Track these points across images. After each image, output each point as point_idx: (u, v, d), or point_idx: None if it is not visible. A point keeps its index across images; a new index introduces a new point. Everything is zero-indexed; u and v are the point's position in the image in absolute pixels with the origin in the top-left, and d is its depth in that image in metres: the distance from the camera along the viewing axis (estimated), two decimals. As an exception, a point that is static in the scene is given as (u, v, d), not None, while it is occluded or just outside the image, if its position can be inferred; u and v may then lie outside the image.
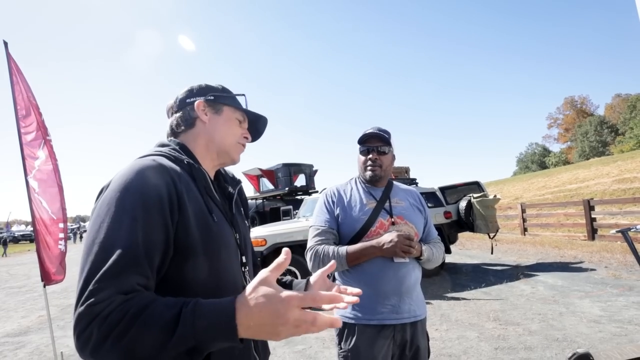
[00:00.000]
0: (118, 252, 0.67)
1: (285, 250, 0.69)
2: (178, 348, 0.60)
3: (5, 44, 3.40)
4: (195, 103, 0.99)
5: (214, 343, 0.62)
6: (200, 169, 0.92)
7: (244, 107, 1.06)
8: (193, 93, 1.01)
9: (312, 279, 1.02)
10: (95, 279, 0.65)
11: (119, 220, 0.71)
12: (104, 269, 0.66)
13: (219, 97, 1.02)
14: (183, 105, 1.00)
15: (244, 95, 1.06)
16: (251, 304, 0.61)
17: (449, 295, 5.25)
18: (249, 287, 0.64)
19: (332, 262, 0.95)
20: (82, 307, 0.63)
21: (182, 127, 0.99)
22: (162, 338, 0.60)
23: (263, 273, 0.64)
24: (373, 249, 1.48)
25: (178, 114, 1.00)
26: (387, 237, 1.47)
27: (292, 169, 11.06)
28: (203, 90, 1.02)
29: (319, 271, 1.00)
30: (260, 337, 0.63)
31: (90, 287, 0.64)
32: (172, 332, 0.60)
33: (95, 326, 0.61)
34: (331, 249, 1.53)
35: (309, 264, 1.61)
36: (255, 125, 1.11)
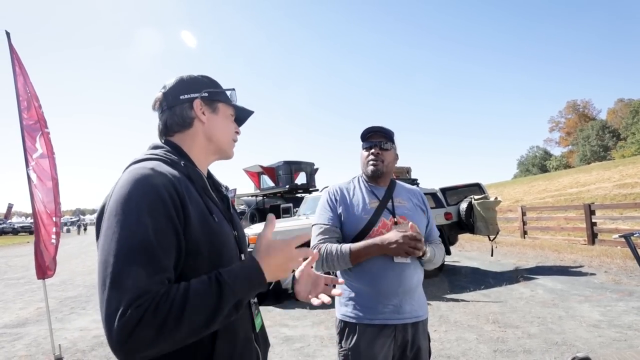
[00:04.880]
0: (138, 257, 0.70)
1: (270, 215, 0.89)
2: (227, 308, 0.74)
3: (8, 34, 3.38)
4: (194, 103, 0.96)
5: (251, 293, 0.80)
6: (197, 170, 0.93)
7: (234, 102, 1.06)
8: (186, 88, 0.97)
9: (297, 273, 1.12)
10: (128, 286, 0.67)
11: (131, 229, 0.72)
12: (132, 276, 0.68)
13: (213, 94, 0.99)
14: (176, 101, 0.95)
15: (234, 89, 1.05)
16: (267, 255, 0.82)
17: (448, 296, 5.24)
18: (258, 244, 0.84)
19: (315, 252, 1.00)
20: (128, 313, 0.65)
21: (177, 128, 0.96)
22: (214, 306, 0.72)
23: (263, 234, 0.86)
24: (377, 247, 1.47)
25: (171, 112, 0.96)
26: (392, 237, 1.45)
27: (293, 167, 11.03)
28: (196, 85, 0.98)
29: (302, 265, 1.11)
30: (276, 276, 0.84)
31: (129, 295, 0.67)
32: (220, 298, 0.73)
33: (147, 322, 0.66)
34: (334, 247, 1.52)
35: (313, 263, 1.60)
36: (241, 114, 1.11)
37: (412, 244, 1.42)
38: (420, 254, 1.48)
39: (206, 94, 0.97)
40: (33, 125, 3.50)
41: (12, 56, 3.39)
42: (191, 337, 0.71)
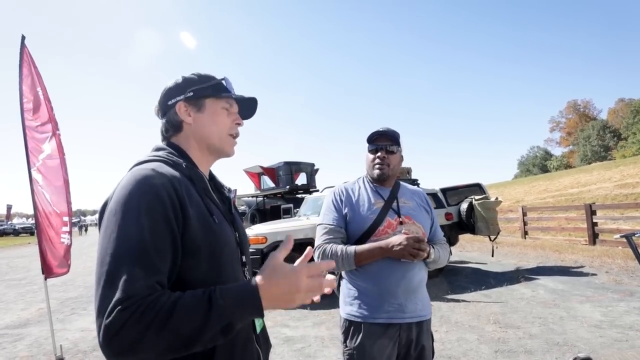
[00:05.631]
0: (133, 258, 0.70)
1: (288, 236, 0.80)
2: (214, 328, 0.68)
3: (23, 37, 3.44)
4: (176, 106, 0.95)
5: (243, 317, 0.72)
6: (198, 172, 0.93)
7: (227, 92, 0.99)
8: (172, 93, 0.97)
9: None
10: (119, 287, 0.67)
11: (127, 230, 0.73)
12: (124, 277, 0.68)
13: (198, 91, 0.95)
14: (165, 108, 0.97)
15: (224, 79, 0.99)
16: (269, 279, 0.72)
17: (449, 297, 5.24)
18: (264, 266, 0.75)
19: (308, 248, 0.87)
20: (113, 314, 0.65)
21: (171, 132, 0.97)
22: (199, 322, 0.67)
23: (274, 254, 0.76)
24: (381, 250, 1.48)
25: (164, 119, 0.98)
26: (396, 240, 1.46)
27: (293, 168, 11.03)
28: (180, 88, 0.96)
29: (299, 260, 0.99)
30: (279, 306, 0.74)
31: (117, 295, 0.67)
32: (207, 314, 0.68)
33: (130, 326, 0.65)
34: (339, 248, 1.53)
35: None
36: (246, 104, 1.04)
37: (416, 245, 1.43)
38: (425, 255, 1.48)
39: (191, 94, 0.95)
40: (40, 127, 3.51)
41: (21, 57, 3.42)
42: (171, 351, 0.68)
